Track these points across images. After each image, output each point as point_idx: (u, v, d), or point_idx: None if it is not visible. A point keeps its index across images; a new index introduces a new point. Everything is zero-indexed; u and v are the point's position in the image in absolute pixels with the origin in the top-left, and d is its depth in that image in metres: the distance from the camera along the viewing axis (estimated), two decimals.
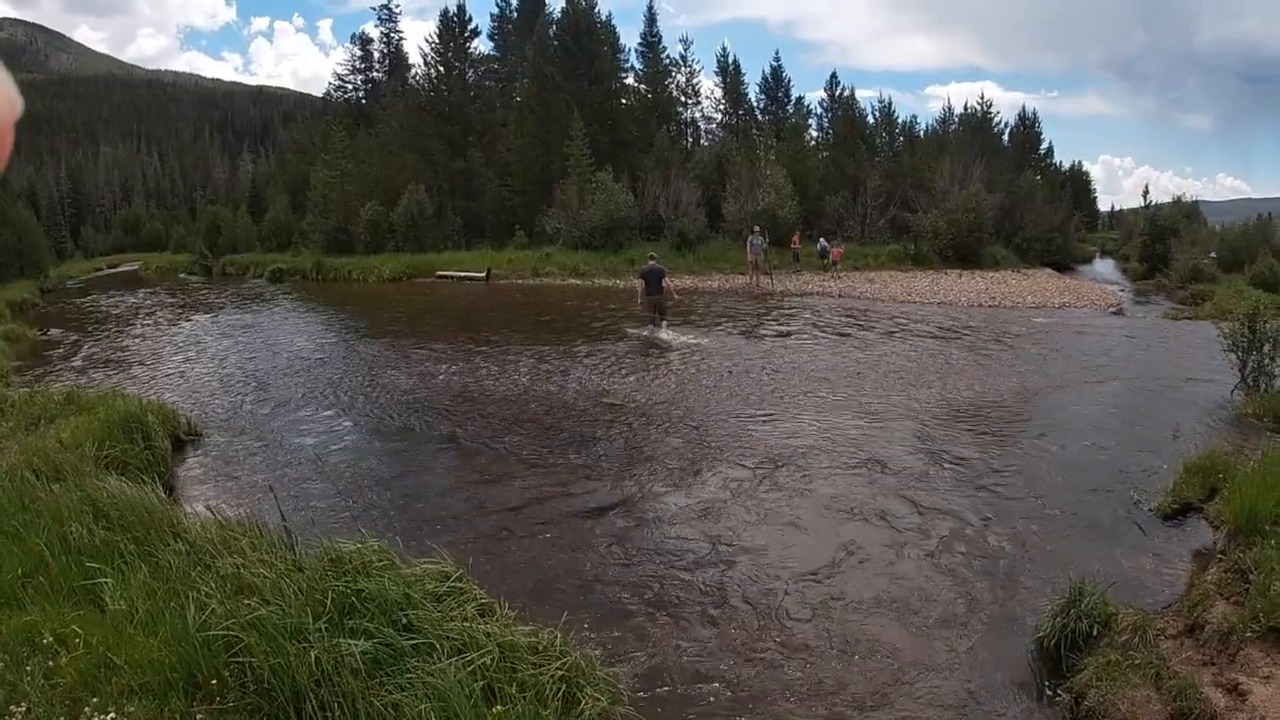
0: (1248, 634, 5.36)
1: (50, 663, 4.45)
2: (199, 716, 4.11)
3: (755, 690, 5.59)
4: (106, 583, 5.34)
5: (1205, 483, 8.44)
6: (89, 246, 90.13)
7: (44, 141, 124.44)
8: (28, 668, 4.37)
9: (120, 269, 66.70)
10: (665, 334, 19.60)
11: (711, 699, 5.49)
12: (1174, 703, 4.89)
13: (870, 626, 6.38)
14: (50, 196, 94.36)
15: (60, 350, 21.22)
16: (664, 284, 19.82)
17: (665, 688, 5.59)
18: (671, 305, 20.71)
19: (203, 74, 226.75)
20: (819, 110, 56.88)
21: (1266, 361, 13.10)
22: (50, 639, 4.62)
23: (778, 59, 61.77)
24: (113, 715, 3.89)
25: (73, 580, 5.48)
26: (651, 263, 20.68)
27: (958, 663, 5.90)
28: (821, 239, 38.22)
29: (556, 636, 5.10)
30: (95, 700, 4.06)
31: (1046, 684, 5.63)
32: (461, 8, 50.58)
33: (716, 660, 5.92)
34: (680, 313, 22.19)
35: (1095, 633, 5.68)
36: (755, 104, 56.67)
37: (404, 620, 4.88)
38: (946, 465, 10.13)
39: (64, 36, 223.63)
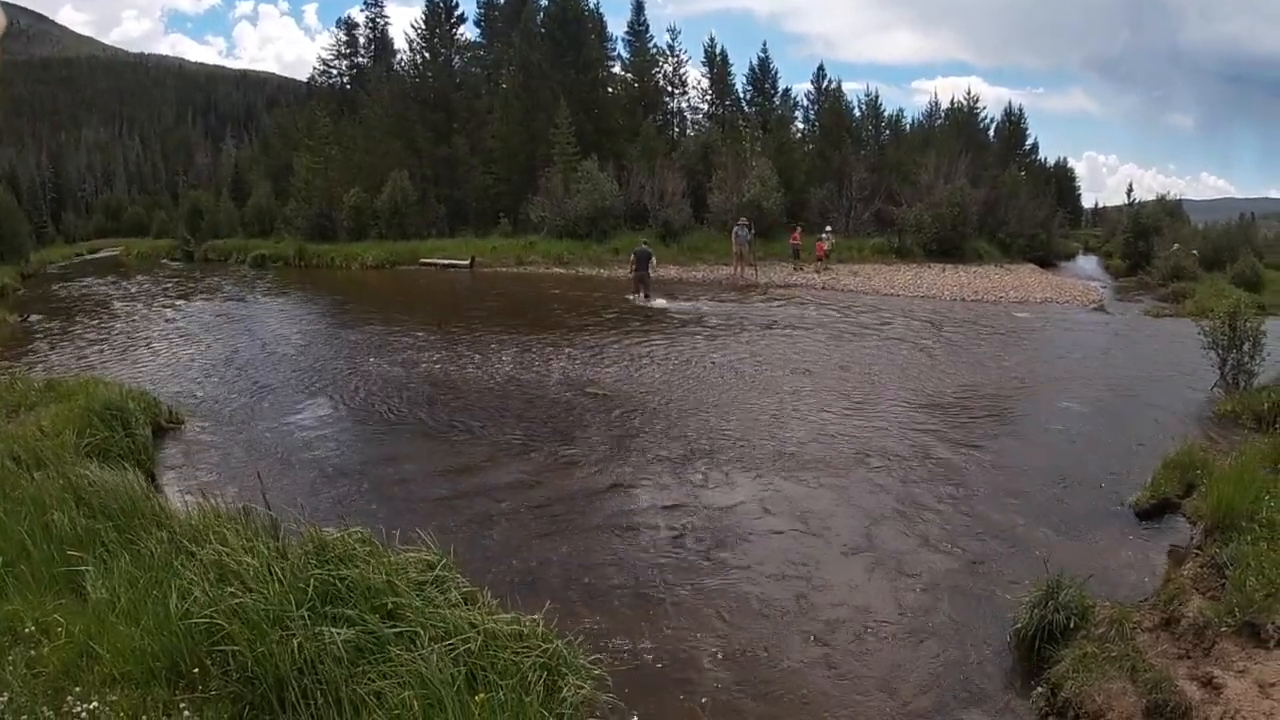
0: (1223, 628, 5.42)
1: (32, 652, 4.44)
2: (181, 705, 4.10)
3: (736, 679, 5.63)
4: (88, 571, 5.31)
5: (1183, 479, 8.53)
6: (70, 231, 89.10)
7: (25, 124, 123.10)
8: (9, 657, 4.35)
9: (101, 254, 66.10)
10: (652, 302, 24.56)
11: (693, 688, 5.53)
12: (1149, 695, 4.93)
13: (849, 614, 6.43)
14: (31, 180, 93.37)
15: (40, 336, 21.05)
16: (649, 264, 25.71)
17: (647, 675, 5.62)
18: (653, 278, 26.36)
19: (186, 57, 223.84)
20: (805, 103, 56.92)
21: (1246, 360, 13.21)
22: (32, 628, 4.60)
23: (765, 51, 61.51)
24: (95, 704, 3.89)
25: (54, 569, 5.45)
26: (643, 246, 27.25)
27: (935, 653, 5.96)
28: (828, 227, 37.09)
29: (539, 624, 5.12)
30: (78, 689, 4.05)
31: (1023, 675, 5.69)
32: None
33: (698, 649, 5.95)
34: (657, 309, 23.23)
35: (1072, 625, 5.73)
36: (742, 95, 56.58)
37: (387, 607, 4.89)
38: (928, 459, 10.19)
39: (47, 19, 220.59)
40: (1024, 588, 6.27)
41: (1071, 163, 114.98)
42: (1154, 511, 8.37)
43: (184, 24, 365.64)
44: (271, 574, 4.98)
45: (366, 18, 59.51)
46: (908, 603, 6.69)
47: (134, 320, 23.94)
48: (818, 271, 32.52)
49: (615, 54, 54.32)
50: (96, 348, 18.90)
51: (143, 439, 10.13)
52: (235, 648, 4.46)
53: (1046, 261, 42.24)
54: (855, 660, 5.88)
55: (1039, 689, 5.46)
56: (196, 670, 4.38)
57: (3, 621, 4.80)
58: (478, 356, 16.38)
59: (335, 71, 60.34)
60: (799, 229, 36.96)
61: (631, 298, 25.30)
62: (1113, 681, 5.13)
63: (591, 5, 52.69)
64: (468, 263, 37.38)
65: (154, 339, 20.16)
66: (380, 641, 4.62)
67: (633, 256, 26.57)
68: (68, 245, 76.82)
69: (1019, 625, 5.99)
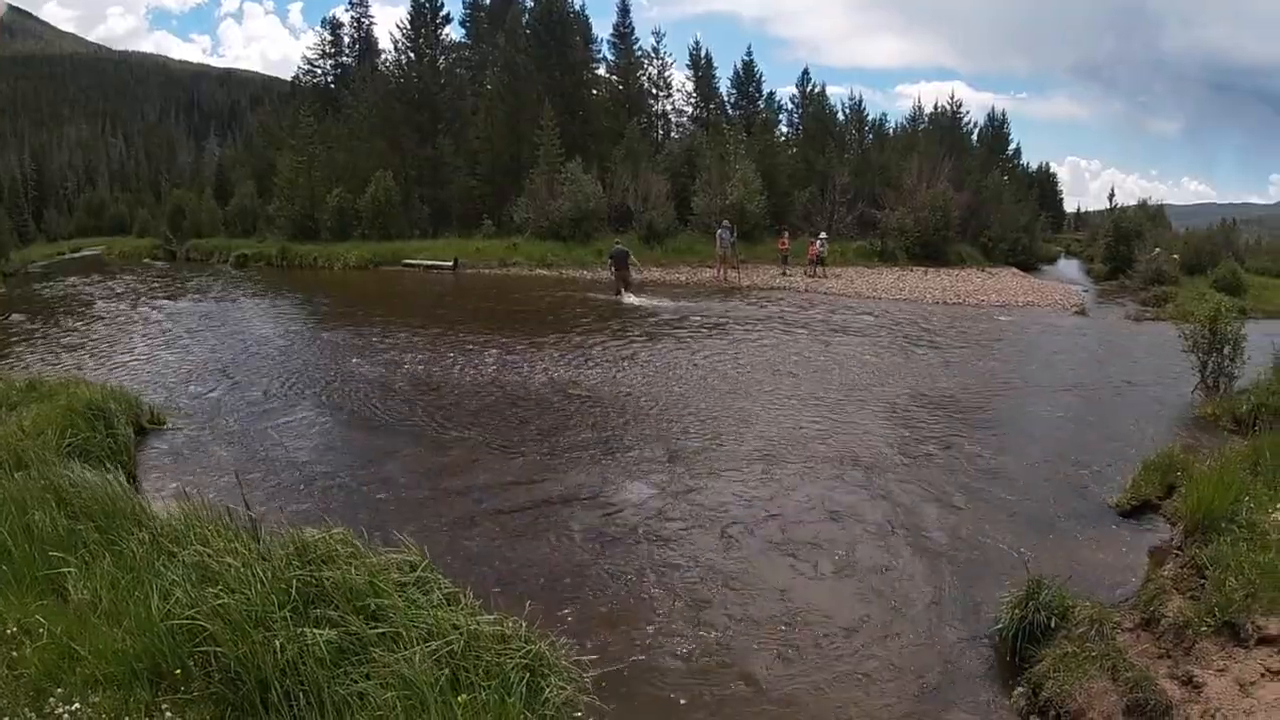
0: (1203, 628, 5.46)
1: (14, 653, 4.40)
2: (164, 706, 4.08)
3: (717, 681, 5.65)
4: (70, 572, 5.29)
5: (1163, 481, 8.60)
6: (52, 229, 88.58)
7: (7, 122, 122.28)
8: None
9: (83, 253, 65.67)
10: (630, 299, 25.62)
11: (673, 689, 5.54)
12: (1130, 694, 4.97)
13: (832, 618, 6.45)
14: (13, 178, 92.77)
15: (21, 336, 20.90)
16: (628, 263, 27.23)
17: (628, 677, 5.63)
18: (637, 280, 27.83)
19: (171, 55, 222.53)
20: (790, 106, 57.11)
21: (1226, 363, 13.33)
22: (14, 629, 4.57)
23: (750, 54, 61.56)
24: (77, 705, 3.87)
25: (36, 570, 5.42)
26: (618, 246, 28.64)
27: (916, 654, 5.98)
28: (822, 233, 36.39)
29: (521, 625, 5.11)
30: (60, 690, 4.02)
31: (1004, 675, 5.72)
32: None
33: (679, 650, 5.96)
34: (639, 309, 23.29)
35: (1053, 625, 5.78)
36: (726, 98, 56.65)
37: (369, 609, 4.87)
38: (908, 461, 10.23)
39: (31, 15, 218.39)
40: (1005, 588, 6.31)
41: (1054, 167, 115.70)
42: (1134, 513, 8.45)
43: (169, 21, 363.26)
44: (253, 575, 4.95)
45: (351, 17, 59.07)
46: (888, 603, 6.72)
47: (116, 320, 23.76)
48: (809, 275, 32.36)
49: (600, 56, 54.42)
50: (78, 347, 18.78)
51: (124, 439, 10.08)
52: (218, 649, 4.44)
53: (1028, 265, 42.53)
54: (835, 661, 5.90)
55: (1020, 689, 5.50)
56: (179, 671, 4.36)
57: None
58: (461, 358, 16.34)
59: (320, 71, 59.80)
60: (787, 234, 36.64)
61: (616, 297, 26.21)
62: (1093, 681, 5.17)
63: (577, 7, 52.78)
64: (451, 264, 37.24)
65: (136, 339, 20.03)
66: (363, 642, 4.61)
67: (609, 260, 28.50)
68: (49, 244, 76.38)
69: (1000, 625, 6.04)
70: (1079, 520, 8.38)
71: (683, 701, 5.43)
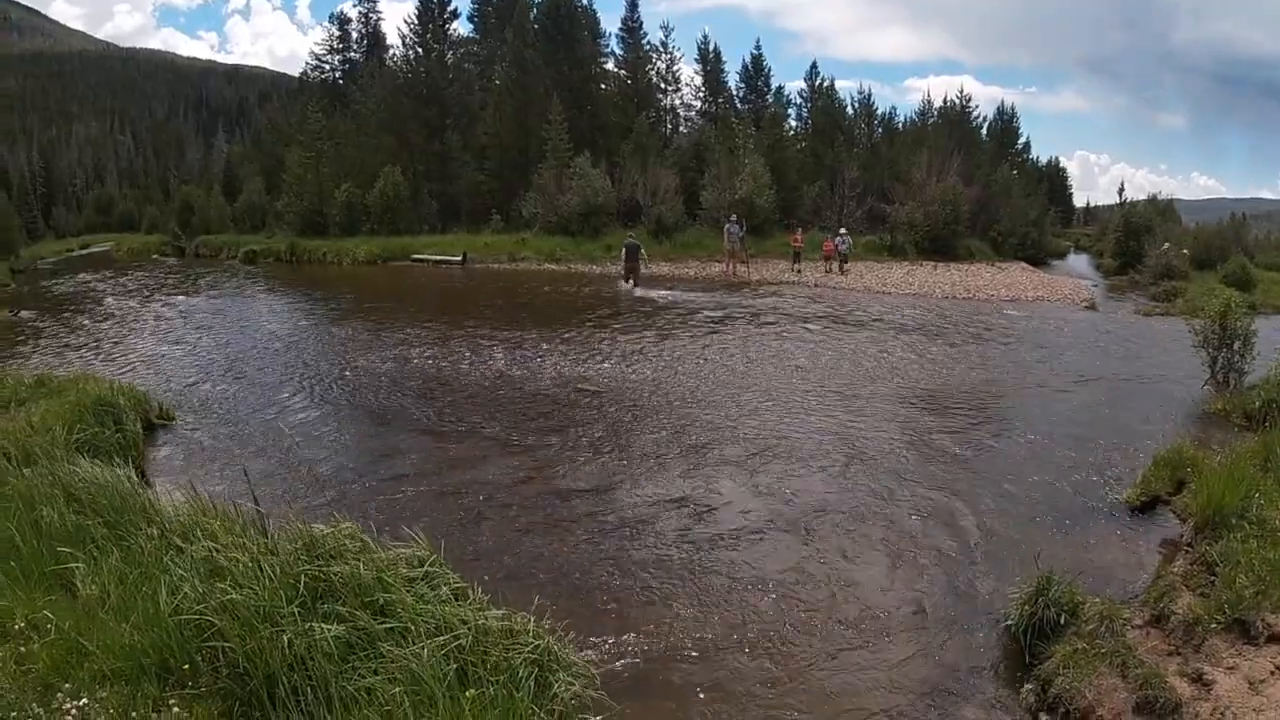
0: (1213, 625, 5.43)
1: (22, 649, 4.40)
2: (171, 701, 4.09)
3: (726, 675, 5.64)
4: (78, 567, 5.30)
5: (1173, 476, 8.54)
6: (60, 226, 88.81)
7: (15, 120, 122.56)
8: None
9: (92, 250, 65.75)
10: (638, 290, 26.68)
11: (683, 684, 5.53)
12: (1139, 691, 4.95)
13: (841, 613, 6.43)
14: (21, 175, 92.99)
15: (31, 332, 20.97)
16: (638, 256, 28.26)
17: (638, 672, 5.63)
18: (644, 273, 28.57)
19: (179, 52, 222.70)
20: (798, 100, 56.94)
21: (1236, 358, 13.27)
22: (22, 624, 4.57)
23: (758, 48, 61.33)
24: (85, 701, 3.87)
25: (44, 565, 5.43)
26: (630, 239, 29.93)
27: (926, 650, 5.97)
28: (842, 229, 35.21)
29: (530, 620, 5.10)
30: (67, 686, 4.02)
31: (1014, 671, 5.70)
32: None
33: (689, 646, 5.95)
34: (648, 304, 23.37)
35: (1063, 621, 5.76)
36: (735, 92, 56.51)
37: (378, 604, 4.87)
38: (919, 456, 10.20)
39: (39, 12, 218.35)
40: (1015, 584, 6.29)
41: (1064, 161, 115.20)
42: (1145, 509, 8.40)
43: (176, 18, 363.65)
44: (262, 570, 4.95)
45: (359, 13, 59.18)
46: (899, 599, 6.71)
47: (125, 316, 23.85)
48: (828, 272, 32.03)
49: (609, 51, 54.26)
50: (87, 343, 18.86)
51: (133, 435, 10.13)
52: (226, 644, 4.44)
53: (1038, 260, 42.28)
54: (846, 657, 5.88)
55: (1029, 685, 5.48)
56: (187, 666, 4.36)
57: None
58: (470, 353, 16.34)
59: (328, 66, 59.85)
60: (800, 230, 36.13)
61: (622, 285, 27.79)
62: (1103, 678, 5.15)
63: (584, 2, 52.68)
64: (460, 259, 37.25)
65: (145, 335, 20.11)
66: (370, 638, 4.61)
67: (623, 250, 28.84)
68: (58, 241, 76.62)
69: (1010, 621, 6.02)
70: (1089, 516, 8.35)
71: (700, 695, 5.42)
